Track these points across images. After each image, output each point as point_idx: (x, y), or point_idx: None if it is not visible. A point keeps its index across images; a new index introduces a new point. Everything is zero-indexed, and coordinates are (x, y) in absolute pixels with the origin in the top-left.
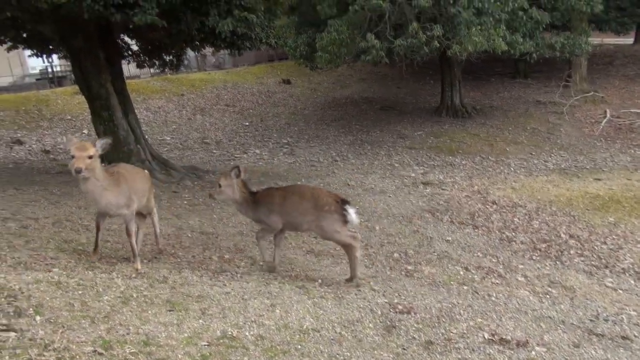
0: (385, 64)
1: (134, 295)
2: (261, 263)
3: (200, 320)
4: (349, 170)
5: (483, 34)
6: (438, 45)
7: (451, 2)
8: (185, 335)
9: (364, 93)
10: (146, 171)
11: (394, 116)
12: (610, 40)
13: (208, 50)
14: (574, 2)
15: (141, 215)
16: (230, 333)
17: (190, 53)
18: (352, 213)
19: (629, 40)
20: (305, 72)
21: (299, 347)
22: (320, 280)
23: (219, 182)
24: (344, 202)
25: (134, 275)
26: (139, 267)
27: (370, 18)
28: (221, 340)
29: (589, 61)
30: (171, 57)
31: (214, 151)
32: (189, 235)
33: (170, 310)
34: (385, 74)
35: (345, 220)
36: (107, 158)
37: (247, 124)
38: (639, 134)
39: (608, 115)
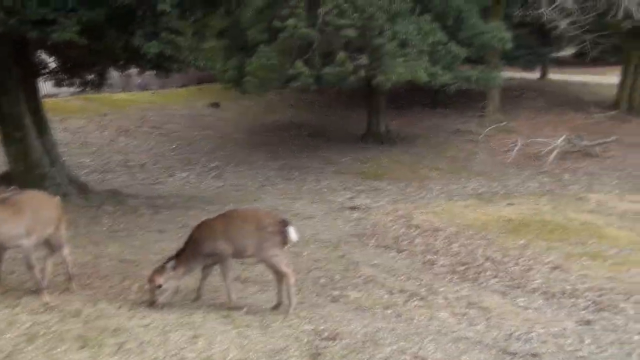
0: (314, 91)
1: (42, 332)
2: (231, 305)
3: (116, 357)
4: (277, 195)
5: (406, 65)
6: (364, 74)
7: (377, 33)
8: None
9: (293, 119)
10: (58, 198)
11: (322, 142)
12: (519, 75)
13: (133, 70)
14: (488, 39)
15: (50, 244)
16: None
17: (114, 73)
18: (292, 232)
19: (536, 75)
20: (234, 96)
21: None
22: (246, 309)
23: (157, 283)
24: (284, 224)
25: (42, 310)
26: (47, 300)
27: (299, 45)
28: None
29: (502, 93)
30: (93, 76)
31: (138, 175)
32: (108, 263)
33: (82, 347)
34: (314, 101)
35: (284, 242)
36: (18, 182)
37: (174, 147)
38: (545, 162)
39: (519, 144)
